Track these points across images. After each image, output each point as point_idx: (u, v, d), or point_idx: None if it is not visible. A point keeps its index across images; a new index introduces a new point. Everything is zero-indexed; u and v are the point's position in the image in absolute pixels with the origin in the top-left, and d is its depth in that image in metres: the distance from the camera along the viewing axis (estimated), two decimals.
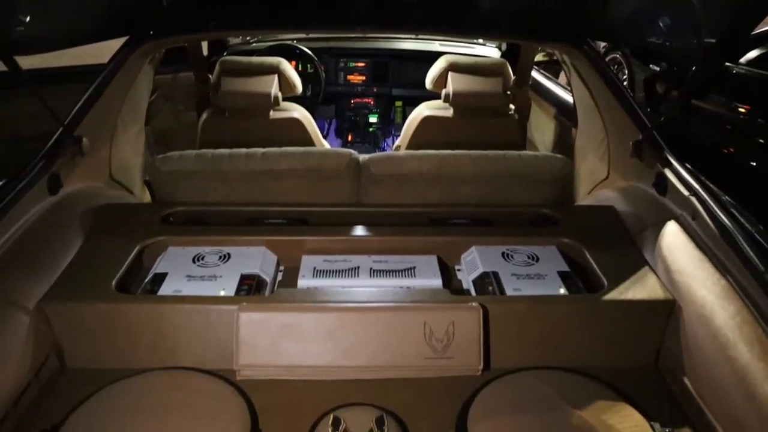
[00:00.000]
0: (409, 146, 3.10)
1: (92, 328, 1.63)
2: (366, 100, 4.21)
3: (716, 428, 1.41)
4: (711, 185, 1.84)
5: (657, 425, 1.44)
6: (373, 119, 4.21)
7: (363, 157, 2.25)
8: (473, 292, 1.83)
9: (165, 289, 1.73)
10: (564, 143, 3.10)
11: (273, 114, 3.16)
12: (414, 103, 3.50)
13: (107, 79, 2.23)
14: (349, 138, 4.11)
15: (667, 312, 1.65)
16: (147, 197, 2.64)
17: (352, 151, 2.26)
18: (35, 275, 1.67)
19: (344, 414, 1.46)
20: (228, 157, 2.19)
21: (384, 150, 4.23)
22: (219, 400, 1.51)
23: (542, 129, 3.46)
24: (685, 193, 1.85)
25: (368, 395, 1.54)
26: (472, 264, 1.93)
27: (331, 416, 1.45)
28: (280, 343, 1.59)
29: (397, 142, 3.47)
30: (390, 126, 4.30)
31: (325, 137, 4.20)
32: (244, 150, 2.22)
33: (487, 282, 1.81)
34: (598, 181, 2.52)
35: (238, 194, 2.20)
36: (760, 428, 1.28)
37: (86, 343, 1.64)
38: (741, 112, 4.34)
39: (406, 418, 1.49)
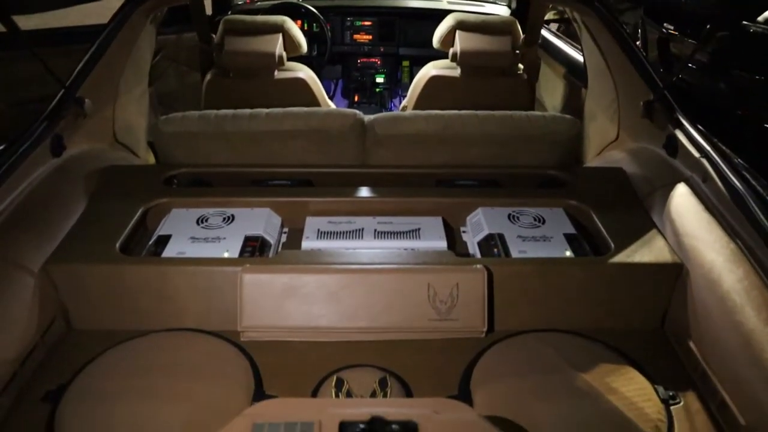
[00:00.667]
0: (416, 107, 3.06)
1: (97, 290, 1.64)
2: (373, 59, 4.15)
3: (720, 392, 1.40)
4: (723, 147, 1.81)
5: (660, 388, 1.44)
6: (379, 79, 4.15)
7: (368, 117, 2.22)
8: (478, 254, 1.81)
9: (169, 251, 1.73)
10: (574, 104, 3.04)
11: (278, 74, 3.11)
12: (421, 62, 3.44)
13: (108, 39, 2.20)
14: (356, 98, 4.06)
15: (674, 275, 1.63)
16: (151, 159, 2.62)
17: (357, 111, 2.23)
18: (39, 238, 1.68)
19: (347, 375, 1.47)
20: (231, 118, 2.17)
21: (391, 110, 4.18)
22: (223, 361, 1.52)
23: (551, 89, 3.40)
24: (696, 154, 1.81)
25: (371, 357, 1.55)
26: (477, 226, 1.92)
27: (335, 377, 1.46)
28: (283, 304, 1.59)
29: (403, 103, 3.42)
30: (397, 86, 4.24)
31: (331, 98, 4.15)
32: (247, 111, 2.19)
33: (492, 244, 1.80)
34: (607, 143, 2.48)
35: (241, 155, 2.18)
36: (764, 393, 1.27)
37: (91, 305, 1.65)
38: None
39: (409, 380, 1.49)
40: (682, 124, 1.93)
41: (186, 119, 2.19)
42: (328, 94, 3.40)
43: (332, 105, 3.39)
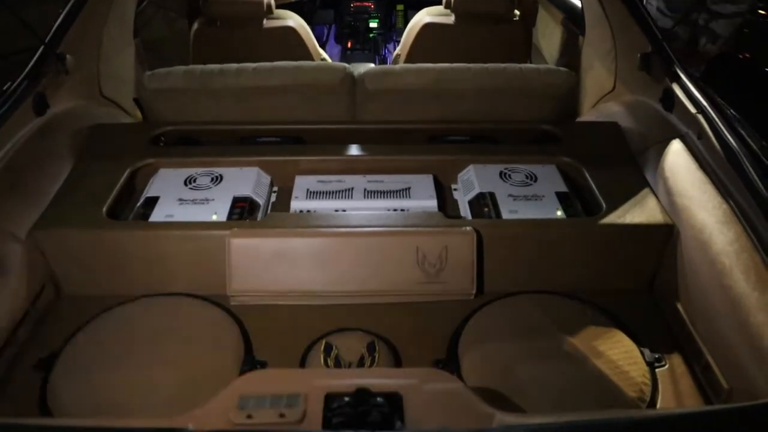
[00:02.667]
0: (409, 55, 2.98)
1: (85, 255, 1.63)
2: (366, 3, 4.02)
3: (705, 355, 1.41)
4: (720, 102, 1.76)
5: (647, 351, 1.45)
6: (373, 24, 4.03)
7: (358, 71, 2.16)
8: (468, 213, 1.80)
9: (157, 214, 1.71)
10: (571, 51, 2.96)
11: (266, 23, 3.02)
12: (417, 6, 3.33)
13: None
14: (349, 44, 3.96)
15: (665, 236, 1.62)
16: (139, 114, 2.57)
17: (347, 65, 2.17)
18: (25, 203, 1.66)
19: (336, 340, 1.48)
20: (218, 73, 2.11)
21: (385, 57, 4.08)
22: (213, 327, 1.53)
23: (549, 36, 3.30)
24: (692, 110, 1.77)
25: (360, 320, 1.55)
26: (468, 183, 1.89)
27: (323, 342, 1.47)
28: (272, 268, 1.59)
29: (397, 50, 3.34)
30: (391, 31, 4.12)
31: (324, 44, 4.05)
32: (234, 65, 2.13)
33: (483, 203, 1.78)
34: (603, 93, 2.42)
35: (229, 111, 2.14)
36: (747, 357, 1.28)
37: (80, 271, 1.65)
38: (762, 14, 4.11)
39: (398, 343, 1.50)
40: (680, 78, 1.88)
41: (171, 75, 2.13)
42: (320, 40, 3.31)
43: (324, 54, 3.30)
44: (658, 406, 1.35)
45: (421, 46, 3.00)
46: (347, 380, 1.13)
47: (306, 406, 1.07)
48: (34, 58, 1.93)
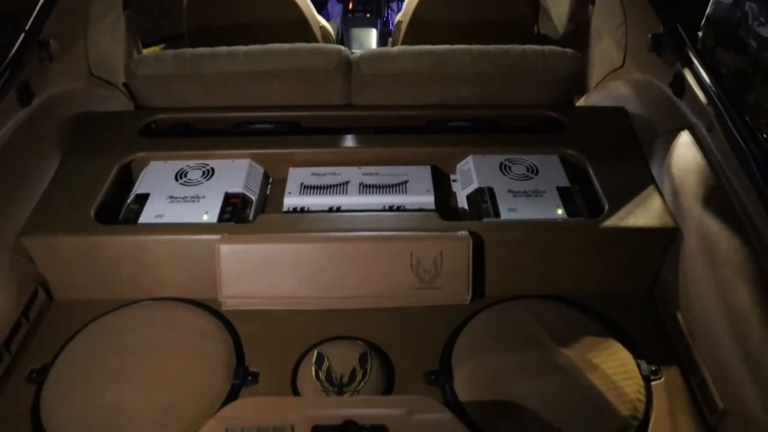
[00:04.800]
0: (410, 24, 2.85)
1: (74, 261, 1.61)
2: None
3: (701, 370, 1.38)
4: (733, 93, 1.67)
5: (643, 363, 1.42)
6: None
7: (354, 55, 2.07)
8: (467, 208, 1.75)
9: (147, 214, 1.68)
10: (581, 16, 2.83)
11: None
12: None
13: None
14: (350, 6, 3.80)
15: (668, 240, 1.57)
16: None
17: (342, 47, 2.07)
18: (12, 207, 1.62)
19: (328, 350, 1.46)
20: (208, 58, 2.02)
21: (388, 19, 3.93)
22: (205, 335, 1.51)
23: (558, 2, 3.15)
24: (703, 100, 1.68)
25: (353, 327, 1.53)
26: (467, 176, 1.83)
27: (315, 352, 1.45)
28: (263, 274, 1.56)
29: (398, 16, 3.20)
30: None
31: (324, 3, 3.90)
32: (224, 49, 2.04)
33: (482, 199, 1.73)
34: (611, 69, 2.32)
35: (220, 97, 2.06)
36: (743, 378, 1.24)
37: (71, 276, 1.63)
38: None
39: (391, 352, 1.48)
40: (692, 63, 1.77)
41: (160, 60, 2.05)
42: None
43: (323, 21, 3.17)
44: (651, 422, 1.33)
45: (423, 14, 2.87)
46: (334, 410, 1.12)
47: None
48: (15, 47, 1.86)
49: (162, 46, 3.38)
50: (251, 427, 1.10)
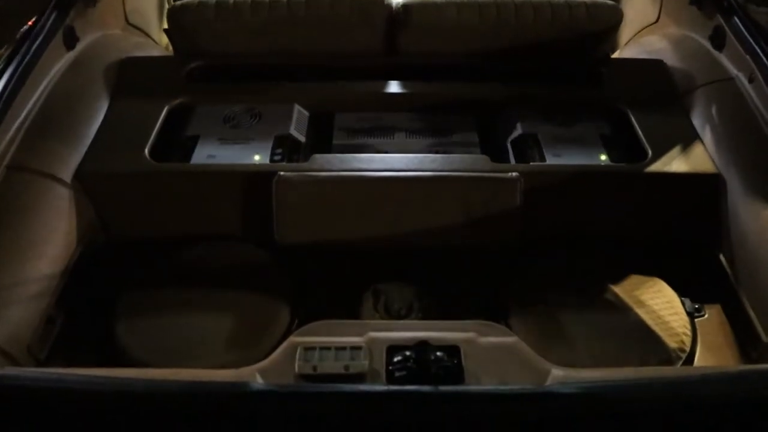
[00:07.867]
0: None
1: (130, 198, 1.64)
2: None
3: (746, 308, 1.43)
4: None
5: (687, 301, 1.48)
6: None
7: (396, 3, 2.07)
8: (511, 155, 1.78)
9: (198, 155, 1.71)
10: None
11: None
12: None
13: None
14: None
15: (710, 186, 1.61)
16: (165, 40, 2.50)
17: None
18: (68, 146, 1.64)
19: (385, 289, 1.50)
20: (251, 6, 2.03)
21: None
22: (263, 273, 1.56)
23: None
24: (744, 52, 1.71)
25: (407, 268, 1.58)
26: (511, 123, 1.87)
27: (372, 288, 1.50)
28: (318, 213, 1.60)
29: None
30: None
31: None
32: None
33: (526, 145, 1.77)
34: (645, 24, 2.33)
35: (263, 44, 2.07)
36: None
37: (127, 214, 1.66)
38: None
39: (443, 293, 1.53)
40: (733, 15, 1.80)
41: (201, 7, 2.05)
42: None
43: None
44: (696, 357, 1.39)
45: None
46: (406, 333, 1.17)
47: (369, 359, 1.10)
48: None
49: None
50: (328, 347, 1.14)
